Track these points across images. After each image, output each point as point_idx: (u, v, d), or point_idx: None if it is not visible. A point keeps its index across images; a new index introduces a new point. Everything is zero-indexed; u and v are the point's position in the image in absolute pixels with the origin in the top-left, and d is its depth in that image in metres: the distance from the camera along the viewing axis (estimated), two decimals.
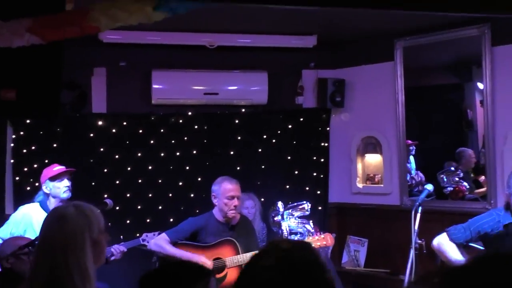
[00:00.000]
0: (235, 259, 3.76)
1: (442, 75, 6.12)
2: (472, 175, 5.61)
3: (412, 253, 3.19)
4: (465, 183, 5.41)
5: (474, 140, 5.72)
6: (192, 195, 5.18)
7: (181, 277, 1.74)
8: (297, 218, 4.19)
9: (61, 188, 3.92)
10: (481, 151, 5.18)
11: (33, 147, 4.84)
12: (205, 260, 3.71)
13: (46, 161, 4.72)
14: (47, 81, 2.15)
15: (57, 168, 3.99)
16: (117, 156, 5.03)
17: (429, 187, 3.42)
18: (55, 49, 2.08)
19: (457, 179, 5.46)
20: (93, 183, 4.91)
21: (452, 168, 5.53)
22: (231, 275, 3.78)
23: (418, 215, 3.22)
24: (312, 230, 4.09)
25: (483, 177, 5.10)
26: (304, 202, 4.28)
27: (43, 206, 3.90)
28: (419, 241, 3.21)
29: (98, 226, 1.92)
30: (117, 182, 5.01)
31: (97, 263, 1.90)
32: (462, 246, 3.20)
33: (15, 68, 2.06)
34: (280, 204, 4.25)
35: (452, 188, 5.39)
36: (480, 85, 4.85)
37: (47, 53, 2.07)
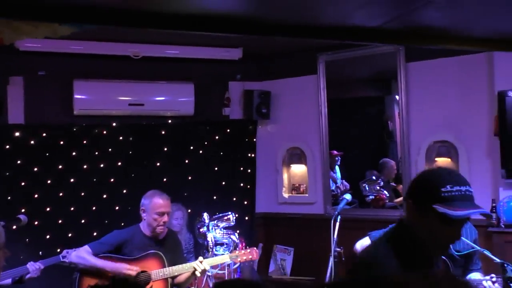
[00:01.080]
0: (160, 272, 3.71)
1: (363, 88, 6.41)
2: (393, 184, 5.89)
3: (331, 260, 3.29)
4: (385, 192, 5.67)
5: (394, 150, 6.02)
6: (117, 207, 5.06)
7: None
8: (222, 229, 4.22)
9: None
10: (400, 160, 5.45)
11: None
12: (129, 267, 3.64)
13: None
14: None
15: None
16: (36, 169, 4.82)
17: (348, 196, 3.55)
18: None
19: (378, 187, 5.71)
20: (9, 198, 4.67)
21: (374, 177, 5.78)
22: None
23: (337, 224, 3.32)
24: (237, 241, 4.13)
25: (401, 186, 5.36)
26: (229, 213, 4.32)
27: None
28: (338, 249, 3.32)
29: None
30: (36, 196, 4.80)
31: None
32: None
33: None
34: (205, 215, 4.26)
35: (373, 197, 5.63)
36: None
37: None
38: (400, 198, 5.41)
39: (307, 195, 5.50)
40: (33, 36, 1.81)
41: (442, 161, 4.75)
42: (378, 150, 6.35)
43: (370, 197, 5.63)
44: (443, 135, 4.70)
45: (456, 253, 2.86)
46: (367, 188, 5.71)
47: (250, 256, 3.85)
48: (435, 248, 1.69)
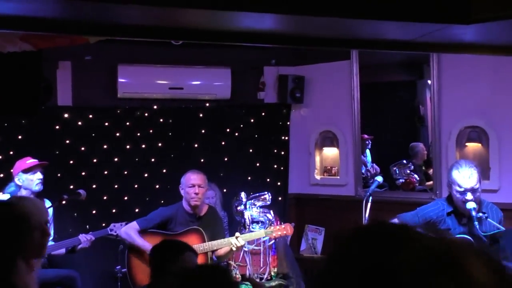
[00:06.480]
0: (200, 247, 3.97)
1: (396, 73, 6.47)
2: (423, 168, 5.99)
3: None
4: (415, 175, 5.78)
5: (425, 135, 6.11)
6: (157, 186, 5.33)
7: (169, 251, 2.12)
8: (258, 208, 4.44)
9: (34, 181, 4.01)
10: (430, 145, 5.55)
11: None
12: None
13: (11, 152, 4.77)
14: (27, 83, 2.29)
15: (30, 161, 4.07)
16: (82, 148, 5.12)
17: (379, 178, 3.69)
18: (35, 54, 2.22)
19: (408, 171, 5.83)
20: (58, 175, 4.98)
21: (404, 161, 5.89)
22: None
23: (369, 205, 3.48)
24: (273, 219, 4.35)
25: (431, 170, 5.46)
26: (265, 192, 4.53)
27: None
28: None
29: (40, 219, 1.98)
30: (83, 173, 5.11)
31: (32, 254, 1.96)
32: None
33: None
34: (243, 195, 4.48)
35: (403, 180, 5.75)
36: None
37: (28, 57, 2.21)
38: (431, 182, 5.51)
39: (338, 177, 5.66)
40: (115, 36, 2.06)
41: (473, 146, 4.84)
42: (409, 135, 6.44)
43: (400, 180, 5.75)
44: (474, 121, 4.77)
45: (483, 234, 3.00)
46: (398, 172, 5.83)
47: (285, 232, 4.06)
48: None
